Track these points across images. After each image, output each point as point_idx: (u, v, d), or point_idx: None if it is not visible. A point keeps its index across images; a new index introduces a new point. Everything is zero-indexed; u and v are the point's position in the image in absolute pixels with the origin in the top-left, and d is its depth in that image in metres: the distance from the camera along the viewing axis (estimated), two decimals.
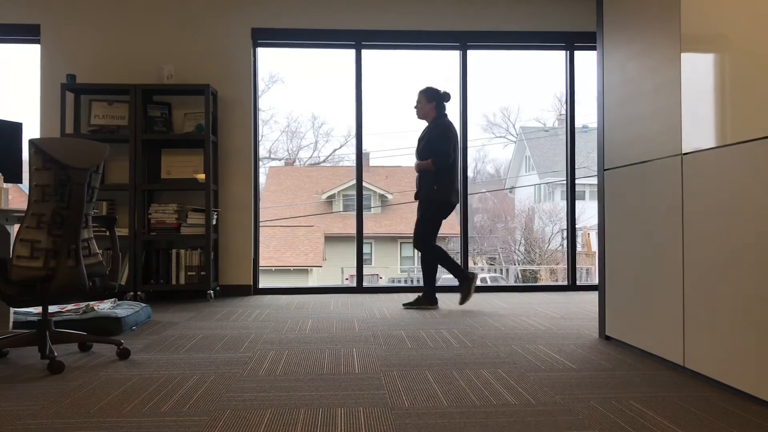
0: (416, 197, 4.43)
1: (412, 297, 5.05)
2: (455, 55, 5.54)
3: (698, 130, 2.37)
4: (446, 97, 4.43)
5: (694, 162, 2.39)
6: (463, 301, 4.37)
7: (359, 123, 5.45)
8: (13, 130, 3.50)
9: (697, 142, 2.37)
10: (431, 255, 4.36)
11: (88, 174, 2.60)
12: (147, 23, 5.20)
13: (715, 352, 2.25)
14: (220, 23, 5.24)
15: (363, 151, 5.56)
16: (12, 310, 3.33)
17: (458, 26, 5.39)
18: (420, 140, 4.43)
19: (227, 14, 5.25)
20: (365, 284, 5.58)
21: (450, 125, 4.37)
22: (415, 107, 4.48)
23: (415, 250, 4.42)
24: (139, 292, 4.78)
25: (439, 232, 4.41)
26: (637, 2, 2.86)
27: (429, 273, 4.42)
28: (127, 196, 4.93)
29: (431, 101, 4.41)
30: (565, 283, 5.64)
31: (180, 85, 4.91)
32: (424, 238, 4.35)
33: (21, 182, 3.58)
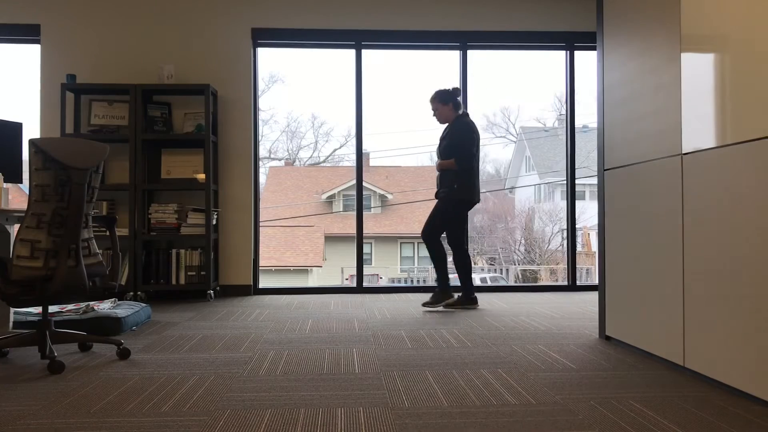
0: (437, 196, 4.42)
1: (412, 297, 5.05)
2: (455, 55, 5.54)
3: (698, 130, 2.37)
4: (457, 92, 4.43)
5: (694, 162, 2.39)
6: (427, 305, 4.34)
7: (359, 123, 5.45)
8: (13, 130, 3.51)
9: (697, 142, 2.37)
10: (434, 249, 4.34)
11: (88, 174, 2.60)
12: (147, 23, 5.20)
13: (715, 352, 2.25)
14: (220, 23, 5.24)
15: (363, 151, 5.57)
16: (12, 310, 3.34)
17: (458, 26, 5.39)
18: (442, 139, 4.42)
19: (227, 14, 5.25)
20: (365, 284, 5.58)
21: (472, 125, 4.36)
22: (434, 115, 4.45)
23: (420, 249, 4.42)
24: (139, 292, 4.78)
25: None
26: (637, 2, 2.86)
27: (461, 273, 4.38)
28: (127, 196, 4.93)
29: (447, 103, 4.39)
30: (565, 283, 5.64)
31: (180, 85, 4.91)
32: (432, 232, 4.33)
33: (21, 182, 3.58)
